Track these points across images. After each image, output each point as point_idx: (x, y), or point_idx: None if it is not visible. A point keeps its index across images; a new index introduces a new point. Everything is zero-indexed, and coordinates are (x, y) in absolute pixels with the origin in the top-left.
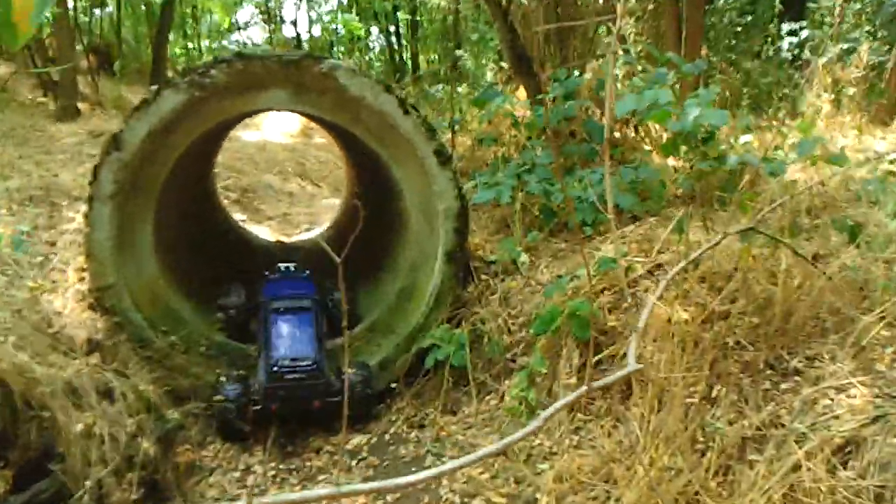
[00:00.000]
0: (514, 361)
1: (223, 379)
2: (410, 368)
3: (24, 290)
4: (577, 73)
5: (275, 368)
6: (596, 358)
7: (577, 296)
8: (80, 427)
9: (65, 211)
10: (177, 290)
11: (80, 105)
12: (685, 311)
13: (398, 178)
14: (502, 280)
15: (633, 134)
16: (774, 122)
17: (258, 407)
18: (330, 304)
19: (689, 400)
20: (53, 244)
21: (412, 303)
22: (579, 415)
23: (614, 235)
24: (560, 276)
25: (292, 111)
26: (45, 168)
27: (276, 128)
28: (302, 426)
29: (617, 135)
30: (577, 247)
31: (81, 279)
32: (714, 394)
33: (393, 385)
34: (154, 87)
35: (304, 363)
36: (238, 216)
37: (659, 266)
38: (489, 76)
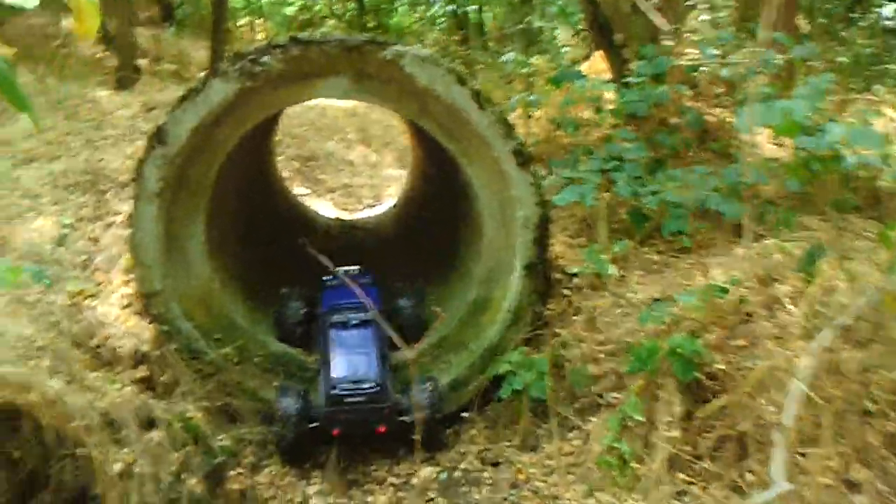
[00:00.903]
0: (601, 397)
1: (282, 394)
2: (484, 392)
3: (64, 295)
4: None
5: (334, 391)
6: (704, 413)
7: (678, 327)
8: (118, 466)
9: (111, 201)
10: (232, 292)
11: (140, 61)
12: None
13: (470, 177)
14: (587, 297)
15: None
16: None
17: (317, 425)
18: (396, 312)
19: (821, 479)
20: (97, 240)
21: (486, 317)
22: (681, 475)
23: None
24: (657, 300)
25: (353, 100)
26: (94, 147)
27: None
28: (364, 450)
29: (710, 118)
30: (672, 259)
31: (128, 282)
32: (853, 475)
33: (464, 413)
34: (202, 76)
35: (366, 385)
36: (299, 189)
37: (777, 301)
38: (560, 36)
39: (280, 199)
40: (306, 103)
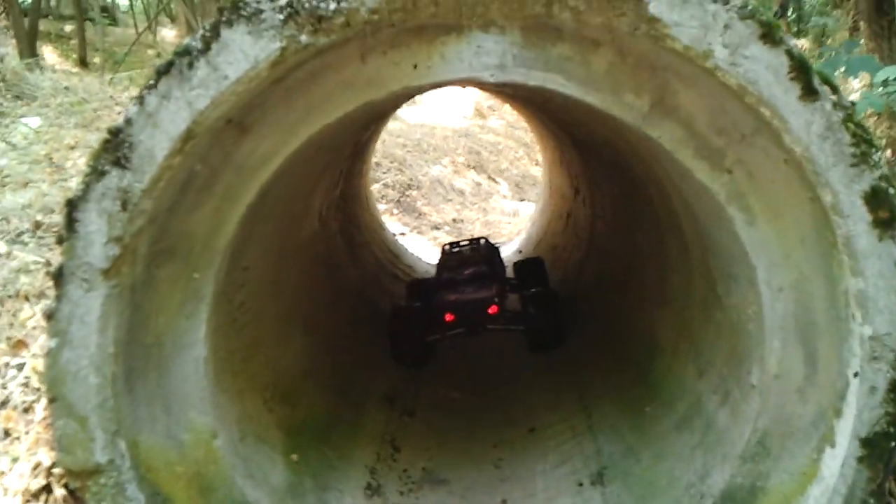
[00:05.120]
0: None
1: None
2: None
3: None
4: None
5: (444, 275)
6: None
7: None
8: None
9: None
10: (254, 443)
11: None
12: None
13: (745, 243)
14: None
15: None
16: None
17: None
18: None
19: None
20: (22, 344)
21: None
22: None
23: None
24: None
25: (518, 80)
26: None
27: (446, 107)
28: None
29: None
30: None
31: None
32: None
33: None
34: (208, 23)
35: (474, 267)
36: (396, 226)
37: None
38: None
39: (366, 252)
40: (410, 121)
